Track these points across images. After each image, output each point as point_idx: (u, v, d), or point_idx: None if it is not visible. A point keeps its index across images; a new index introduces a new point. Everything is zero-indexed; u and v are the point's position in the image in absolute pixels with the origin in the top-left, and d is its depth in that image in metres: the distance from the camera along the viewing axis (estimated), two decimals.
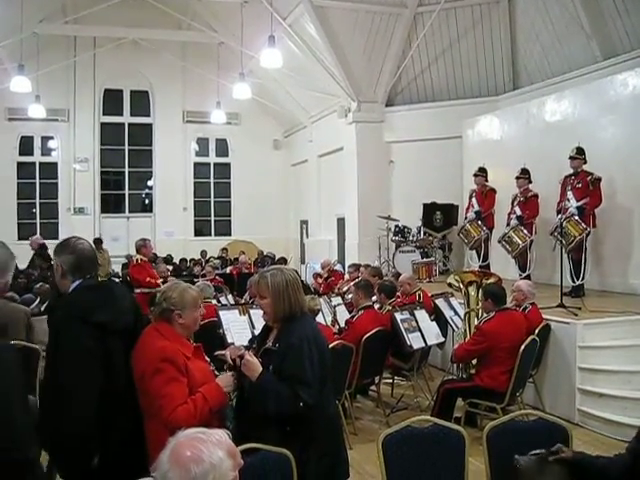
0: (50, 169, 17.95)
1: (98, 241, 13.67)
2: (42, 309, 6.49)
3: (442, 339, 6.48)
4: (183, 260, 15.15)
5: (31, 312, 6.13)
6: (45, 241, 14.48)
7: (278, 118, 18.82)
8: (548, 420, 3.17)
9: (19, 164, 17.67)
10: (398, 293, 6.99)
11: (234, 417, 3.01)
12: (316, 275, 11.29)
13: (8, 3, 12.42)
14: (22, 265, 12.33)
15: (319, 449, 2.88)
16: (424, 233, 12.05)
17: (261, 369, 2.83)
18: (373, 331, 5.74)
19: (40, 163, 17.94)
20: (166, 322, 2.87)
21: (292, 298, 2.95)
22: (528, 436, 3.07)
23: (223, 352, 3.02)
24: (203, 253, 16.17)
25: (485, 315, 5.59)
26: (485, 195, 9.79)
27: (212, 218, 19.52)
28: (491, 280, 6.07)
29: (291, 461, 2.70)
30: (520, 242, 8.65)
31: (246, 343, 3.50)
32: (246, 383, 2.89)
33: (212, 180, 19.47)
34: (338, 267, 12.16)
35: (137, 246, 8.73)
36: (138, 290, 8.60)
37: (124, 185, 18.79)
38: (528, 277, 8.35)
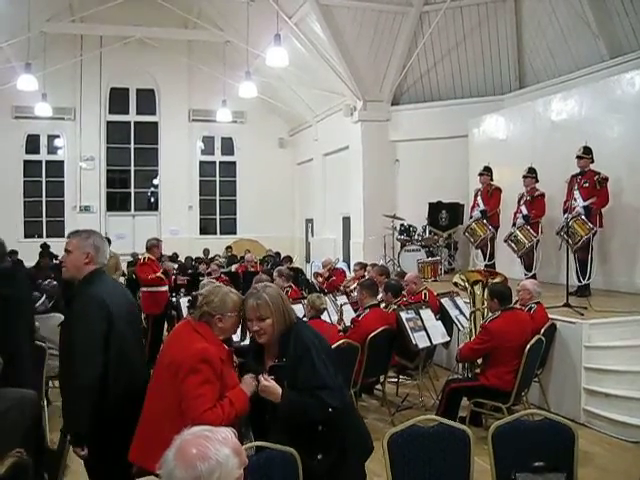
0: (56, 167, 18.00)
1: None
2: (49, 306, 6.51)
3: (447, 338, 6.47)
4: (189, 258, 15.15)
5: (36, 310, 6.14)
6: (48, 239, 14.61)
7: (284, 117, 18.83)
8: (554, 420, 3.16)
9: (25, 162, 17.72)
10: (404, 292, 6.99)
11: (249, 423, 3.01)
12: (317, 274, 11.22)
13: (15, 2, 12.44)
14: (29, 263, 12.37)
15: (356, 450, 2.90)
16: (429, 232, 12.04)
17: (280, 390, 2.78)
18: (379, 330, 5.74)
19: (46, 161, 17.98)
20: (205, 324, 2.88)
21: (288, 307, 2.93)
22: (533, 436, 3.07)
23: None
24: (206, 251, 16.16)
25: (491, 314, 5.58)
26: (490, 194, 9.78)
27: (217, 216, 19.53)
28: (497, 280, 6.05)
29: (296, 459, 2.70)
30: (526, 241, 8.62)
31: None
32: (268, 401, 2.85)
33: (217, 178, 19.48)
34: (340, 265, 12.11)
35: (149, 245, 8.58)
36: (144, 289, 8.56)
37: (130, 183, 18.82)
38: (534, 276, 8.33)
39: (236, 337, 5.03)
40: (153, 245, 8.49)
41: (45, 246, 14.11)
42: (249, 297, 2.91)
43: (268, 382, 2.79)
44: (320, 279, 10.71)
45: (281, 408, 2.77)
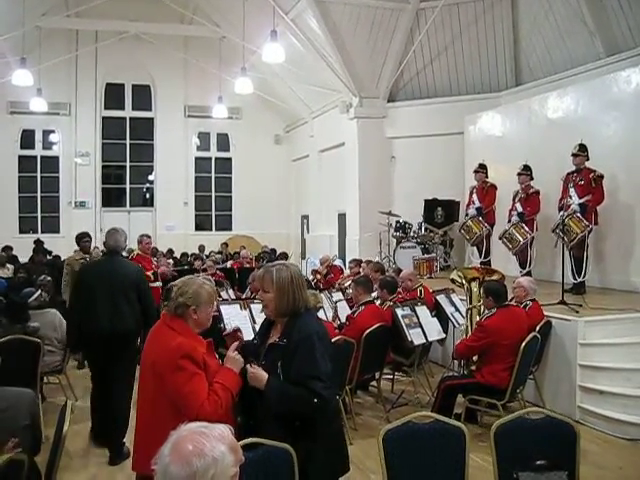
0: (51, 163, 17.94)
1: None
2: (45, 300, 6.48)
3: (443, 335, 6.47)
4: (184, 254, 15.13)
5: (30, 305, 6.12)
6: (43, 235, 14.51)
7: (280, 113, 18.79)
8: (555, 418, 3.15)
9: (20, 158, 17.67)
10: (399, 289, 6.98)
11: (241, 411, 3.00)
12: (314, 271, 11.17)
13: None
14: (23, 259, 12.35)
15: (326, 444, 2.87)
16: (425, 229, 12.05)
17: (266, 377, 2.79)
18: (374, 327, 5.73)
19: (41, 157, 17.93)
20: (179, 318, 2.87)
21: (296, 294, 2.91)
22: (535, 434, 3.06)
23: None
24: (201, 247, 16.15)
25: (487, 311, 5.58)
26: (486, 191, 9.78)
27: (213, 213, 19.52)
28: (494, 277, 6.05)
29: (292, 456, 2.69)
30: (521, 239, 8.63)
31: (248, 338, 3.47)
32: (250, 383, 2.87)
33: (213, 175, 19.46)
34: (337, 262, 12.08)
35: (137, 240, 8.75)
36: None
37: (125, 179, 18.79)
38: (529, 274, 8.34)
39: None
40: (138, 241, 8.63)
41: (39, 242, 14.07)
42: (262, 268, 3.08)
43: (254, 369, 2.82)
44: (318, 276, 10.68)
45: (266, 394, 2.79)
